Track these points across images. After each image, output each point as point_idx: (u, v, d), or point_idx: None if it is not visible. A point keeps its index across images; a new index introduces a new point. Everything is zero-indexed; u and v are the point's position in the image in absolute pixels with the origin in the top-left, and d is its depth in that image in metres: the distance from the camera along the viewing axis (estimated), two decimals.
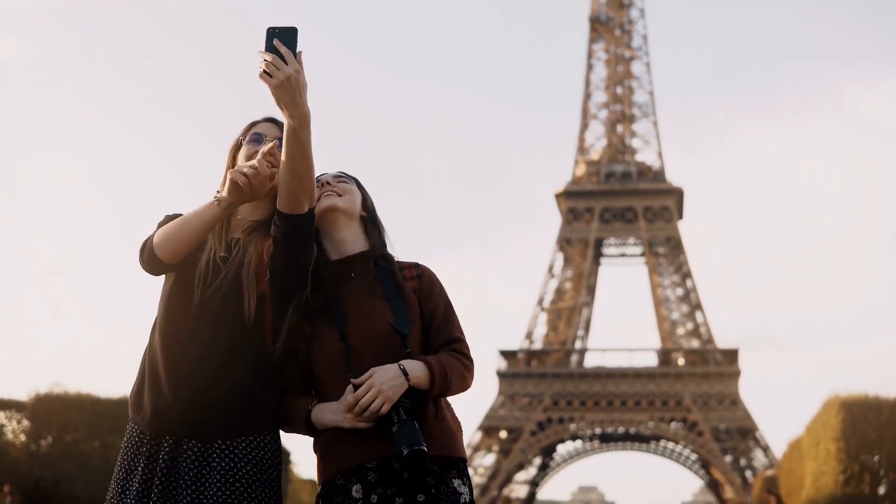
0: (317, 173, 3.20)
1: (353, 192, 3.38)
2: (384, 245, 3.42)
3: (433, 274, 3.38)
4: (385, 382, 3.03)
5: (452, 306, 3.33)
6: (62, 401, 27.19)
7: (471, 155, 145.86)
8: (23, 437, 26.98)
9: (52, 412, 26.88)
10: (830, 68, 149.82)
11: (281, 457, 3.20)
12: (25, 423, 27.07)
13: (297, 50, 2.94)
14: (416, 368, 3.07)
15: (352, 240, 3.36)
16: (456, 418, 3.28)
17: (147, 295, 3.34)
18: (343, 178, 3.40)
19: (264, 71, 2.92)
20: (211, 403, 3.08)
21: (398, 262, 3.39)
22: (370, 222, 3.41)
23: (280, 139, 3.22)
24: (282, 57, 2.91)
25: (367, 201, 3.43)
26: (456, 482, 3.12)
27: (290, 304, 3.17)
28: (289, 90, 2.90)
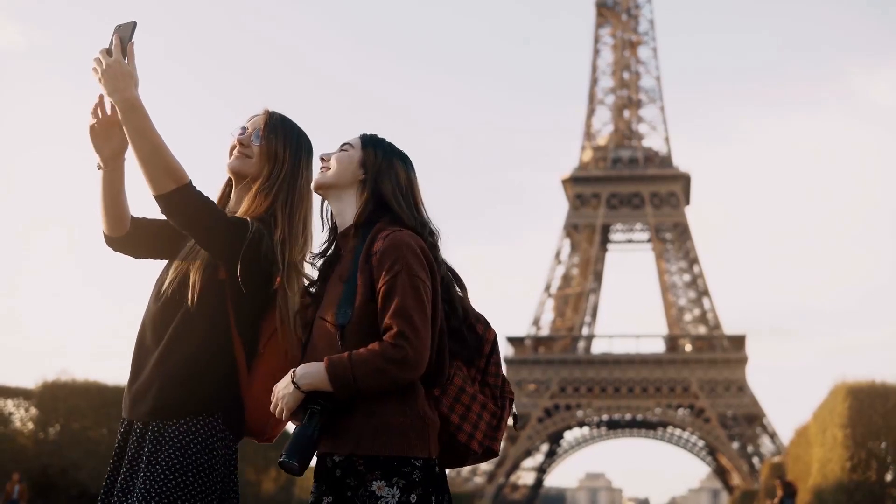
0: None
1: (345, 158, 3.20)
2: (376, 210, 3.16)
3: (393, 243, 3.02)
4: (280, 391, 2.97)
5: (400, 282, 2.95)
6: (69, 388, 27.27)
7: (477, 141, 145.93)
8: (30, 425, 27.09)
9: (59, 400, 26.97)
10: (837, 55, 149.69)
11: (222, 443, 3.15)
12: (33, 410, 27.17)
13: (131, 41, 3.12)
14: (309, 373, 2.91)
15: (344, 210, 3.21)
16: (413, 413, 2.95)
17: (152, 282, 3.40)
18: (345, 145, 3.26)
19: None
20: (149, 386, 3.15)
21: (382, 228, 3.10)
22: (363, 183, 3.19)
23: (259, 128, 3.40)
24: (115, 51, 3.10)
25: (368, 159, 3.21)
26: (376, 484, 2.88)
27: (248, 284, 3.13)
28: (109, 79, 3.06)
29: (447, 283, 3.18)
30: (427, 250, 3.07)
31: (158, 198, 3.11)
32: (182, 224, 3.15)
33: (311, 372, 2.91)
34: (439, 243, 3.20)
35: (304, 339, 3.15)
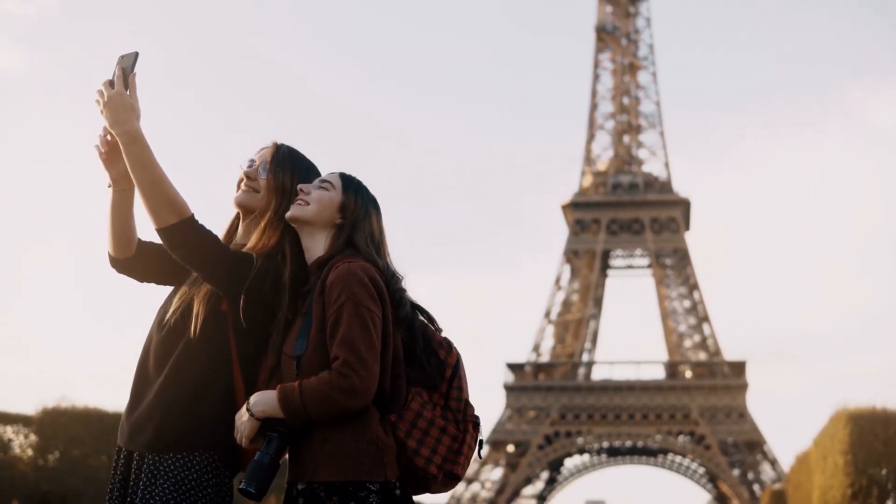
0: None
1: (325, 198, 3.26)
2: (341, 251, 3.22)
3: (340, 274, 3.09)
4: (238, 418, 3.07)
5: (346, 312, 3.03)
6: (69, 415, 27.20)
7: (476, 166, 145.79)
8: (30, 452, 27.00)
9: (59, 426, 26.89)
10: (838, 77, 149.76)
11: (217, 479, 3.18)
12: (33, 437, 27.08)
13: (133, 72, 3.15)
14: (262, 401, 3.01)
15: (314, 248, 3.26)
16: (366, 438, 3.01)
17: (155, 308, 3.41)
18: (325, 182, 3.31)
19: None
20: (147, 416, 3.15)
21: (337, 261, 3.17)
22: (340, 228, 3.26)
23: (267, 161, 3.41)
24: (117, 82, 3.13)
25: (349, 206, 3.28)
26: None
27: (250, 320, 3.16)
28: (111, 111, 3.10)
29: (410, 316, 3.23)
30: (377, 279, 3.14)
31: (160, 231, 3.13)
32: (184, 258, 3.15)
33: (264, 399, 3.01)
34: (403, 285, 3.26)
35: (271, 369, 3.21)
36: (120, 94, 3.10)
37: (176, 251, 3.15)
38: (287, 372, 3.10)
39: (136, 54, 3.17)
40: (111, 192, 3.33)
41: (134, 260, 3.41)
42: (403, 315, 3.20)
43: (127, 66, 3.15)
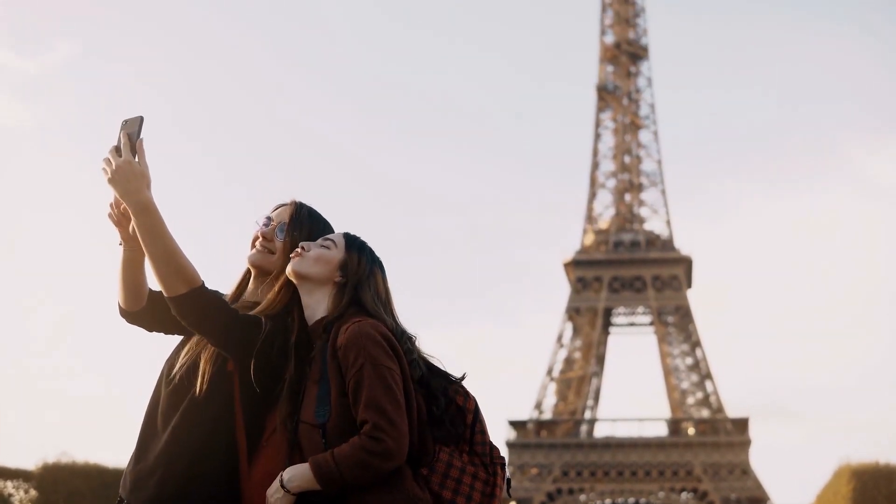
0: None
1: (325, 256, 3.21)
2: (346, 311, 3.18)
3: (352, 336, 3.05)
4: (271, 496, 3.02)
5: (366, 374, 3.00)
6: (70, 470, 27.08)
7: (478, 222, 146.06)
8: None
9: (59, 482, 26.79)
10: (836, 131, 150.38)
11: None
12: (33, 492, 26.97)
13: (140, 137, 3.05)
14: (296, 475, 2.98)
15: (314, 306, 3.21)
16: (402, 496, 2.99)
17: (156, 362, 3.41)
18: (327, 241, 3.25)
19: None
20: (152, 472, 3.13)
21: (343, 322, 3.13)
22: (342, 286, 3.20)
23: (284, 221, 3.36)
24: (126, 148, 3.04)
25: (351, 265, 3.23)
26: None
27: (260, 383, 3.12)
28: (118, 181, 3.01)
29: (426, 376, 3.19)
30: (390, 336, 3.10)
31: (170, 299, 3.08)
32: (193, 325, 3.13)
33: (298, 474, 2.97)
34: (417, 345, 3.22)
35: (290, 439, 3.14)
36: (129, 163, 3.01)
37: (185, 319, 3.11)
38: (309, 440, 3.05)
39: (142, 119, 3.08)
40: (122, 249, 3.26)
41: (144, 311, 3.35)
42: (418, 376, 3.16)
43: (133, 131, 3.06)
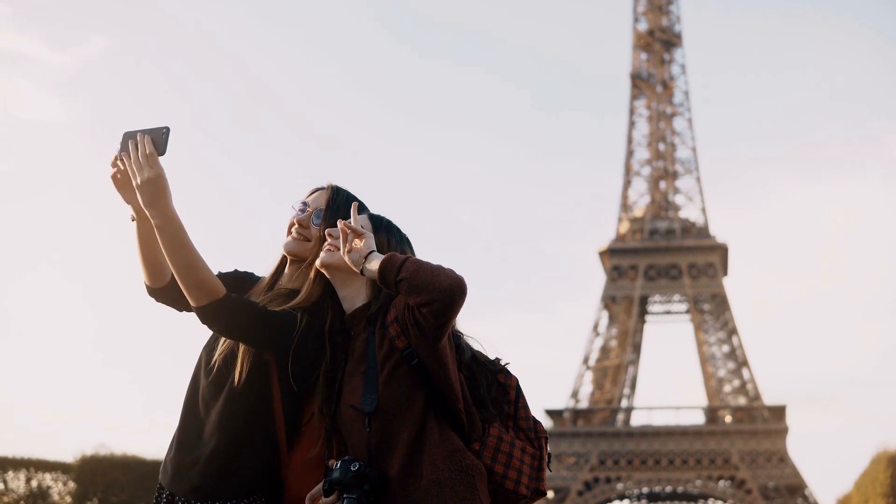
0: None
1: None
2: (386, 299, 3.14)
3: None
4: (354, 252, 3.02)
5: (443, 362, 3.00)
6: (108, 462, 27.37)
7: (512, 212, 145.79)
8: (69, 499, 27.16)
9: (97, 474, 27.06)
10: (872, 118, 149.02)
11: None
12: (72, 484, 27.26)
13: (165, 152, 3.00)
14: (375, 266, 2.96)
15: (352, 296, 3.18)
16: (458, 467, 2.97)
17: (193, 354, 3.43)
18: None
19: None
20: (192, 462, 3.12)
21: (390, 300, 3.11)
22: None
23: (321, 207, 3.30)
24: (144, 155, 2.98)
25: (382, 247, 3.16)
26: None
27: (298, 378, 3.11)
28: (148, 191, 2.95)
29: (470, 361, 3.20)
30: None
31: (195, 309, 3.06)
32: (220, 332, 3.12)
33: (375, 265, 2.95)
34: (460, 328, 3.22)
35: (327, 426, 3.14)
36: (160, 178, 2.96)
37: (212, 328, 3.10)
38: (352, 426, 3.05)
39: (168, 130, 3.01)
40: (135, 225, 3.19)
41: (170, 288, 3.28)
42: (466, 361, 3.17)
43: (160, 143, 2.99)
